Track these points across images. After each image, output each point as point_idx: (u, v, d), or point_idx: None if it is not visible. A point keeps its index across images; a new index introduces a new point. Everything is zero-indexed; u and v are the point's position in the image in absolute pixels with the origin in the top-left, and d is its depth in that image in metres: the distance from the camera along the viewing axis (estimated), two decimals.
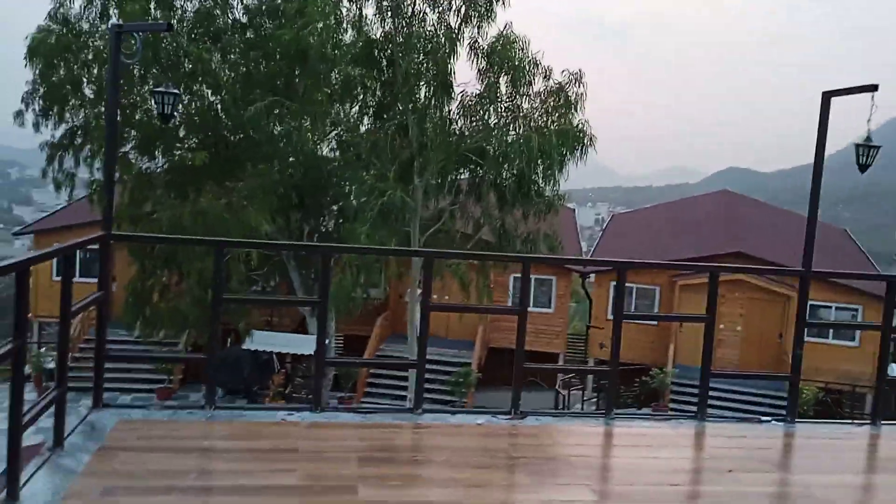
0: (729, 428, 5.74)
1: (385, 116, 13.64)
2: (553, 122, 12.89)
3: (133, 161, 17.11)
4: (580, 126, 13.05)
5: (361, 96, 13.69)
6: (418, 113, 13.13)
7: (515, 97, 13.08)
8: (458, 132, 13.36)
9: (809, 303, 18.83)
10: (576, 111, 13.07)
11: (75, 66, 16.81)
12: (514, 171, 13.02)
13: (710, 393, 18.12)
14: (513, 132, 12.64)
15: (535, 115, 12.96)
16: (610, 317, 25.22)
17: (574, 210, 25.81)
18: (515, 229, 14.50)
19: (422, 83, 13.02)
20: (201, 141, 16.30)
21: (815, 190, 5.57)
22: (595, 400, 21.91)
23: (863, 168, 5.83)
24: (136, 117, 16.71)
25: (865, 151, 5.80)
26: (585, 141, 13.00)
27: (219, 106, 16.23)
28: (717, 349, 23.55)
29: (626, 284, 20.55)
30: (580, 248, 27.63)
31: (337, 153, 15.38)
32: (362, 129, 14.29)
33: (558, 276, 24.60)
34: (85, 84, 16.99)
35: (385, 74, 13.29)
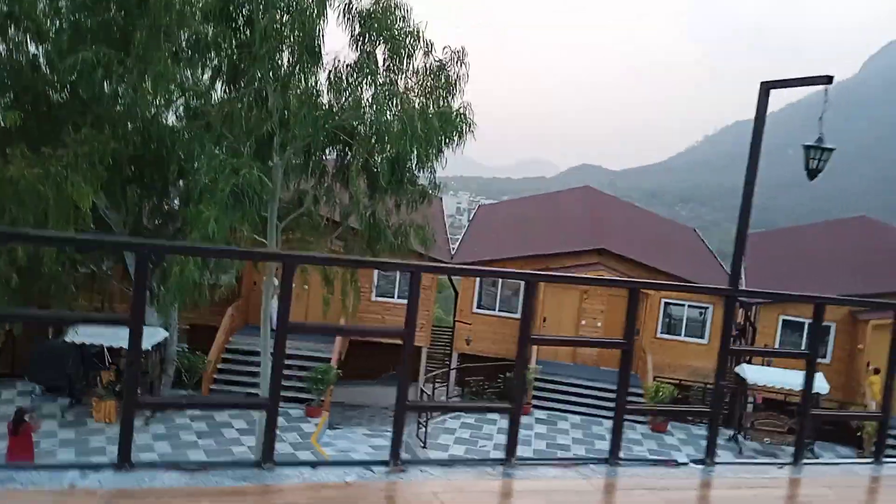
0: (644, 474, 4.81)
1: (241, 83, 11.91)
2: (432, 103, 11.71)
3: None
4: (461, 110, 12.00)
5: (214, 59, 11.85)
6: (280, 81, 11.50)
7: (393, 72, 11.77)
8: (325, 106, 11.86)
9: (665, 300, 18.85)
10: (455, 93, 12.02)
11: None
12: (389, 155, 11.75)
13: (567, 388, 17.81)
14: (389, 111, 11.33)
15: (414, 95, 11.71)
16: (476, 310, 24.76)
17: (441, 199, 25.00)
18: (386, 219, 13.26)
19: (284, 47, 11.38)
20: (16, 98, 13.75)
21: (745, 207, 4.78)
22: (458, 394, 21.21)
23: (812, 174, 5.07)
24: None
25: (817, 154, 5.03)
26: (465, 128, 11.97)
27: (41, 59, 13.76)
28: (576, 348, 23.68)
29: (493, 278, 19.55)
30: (447, 238, 26.87)
31: (183, 122, 13.41)
32: (214, 96, 12.42)
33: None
34: None
35: (242, 34, 11.54)
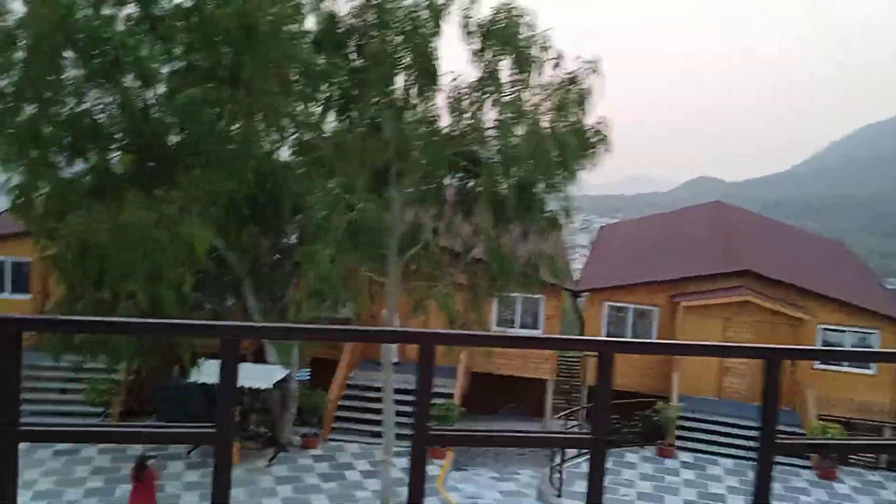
0: None
1: (353, 113, 11.15)
2: (562, 120, 10.46)
3: (54, 165, 14.42)
4: (597, 127, 10.67)
5: (325, 89, 11.17)
6: (394, 107, 10.64)
7: (519, 88, 10.62)
8: (444, 131, 10.88)
9: (823, 327, 16.44)
10: (588, 108, 10.72)
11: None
12: (516, 181, 10.59)
13: (715, 428, 15.55)
14: (515, 133, 10.18)
15: (542, 112, 10.51)
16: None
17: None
18: (513, 250, 12.07)
19: (398, 70, 10.51)
20: (130, 142, 13.69)
21: None
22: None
23: None
24: (63, 113, 14.06)
25: None
26: (600, 146, 10.63)
27: (152, 103, 13.65)
28: (723, 377, 21.43)
29: (622, 304, 18.08)
30: (570, 265, 25.35)
31: (296, 158, 12.84)
32: (326, 128, 11.74)
33: (547, 294, 22.26)
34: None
35: (352, 61, 10.79)
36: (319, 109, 11.67)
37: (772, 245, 25.01)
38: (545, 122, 10.22)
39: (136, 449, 17.17)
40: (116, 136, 14.47)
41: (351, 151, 10.57)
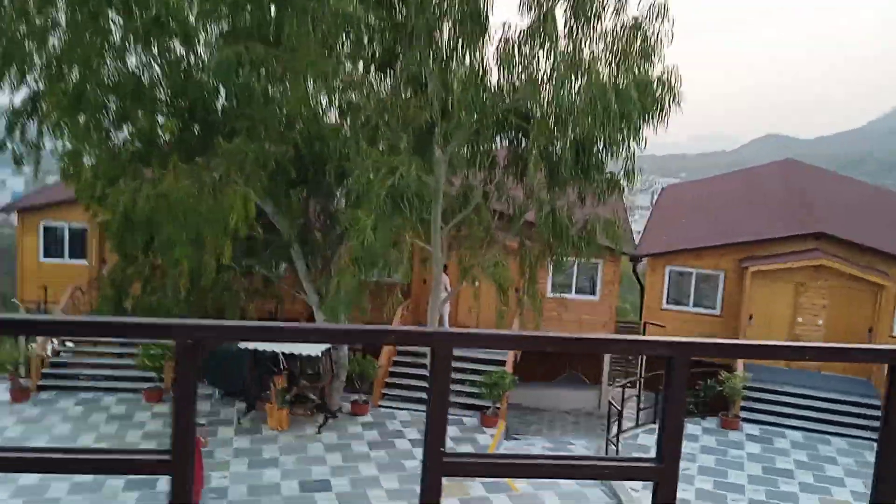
0: None
1: (396, 68, 10.43)
2: (626, 72, 9.48)
3: (100, 130, 14.20)
4: (665, 77, 9.66)
5: (367, 44, 10.46)
6: (439, 61, 9.86)
7: (576, 37, 9.67)
8: (494, 87, 10.07)
9: None
10: (655, 58, 9.71)
11: (37, 16, 13.84)
12: (573, 139, 9.74)
13: (783, 399, 14.40)
14: (572, 86, 9.28)
15: (602, 63, 9.56)
16: (665, 306, 22.06)
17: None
18: (569, 214, 11.25)
19: (445, 20, 9.69)
20: (175, 107, 13.31)
21: None
22: (651, 407, 18.80)
23: None
24: (107, 76, 13.77)
25: None
26: (669, 99, 9.63)
27: (193, 65, 13.20)
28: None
29: (686, 269, 17.09)
30: (630, 228, 24.29)
31: (338, 118, 12.25)
32: (367, 85, 11.05)
33: (605, 259, 21.34)
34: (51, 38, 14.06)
35: (397, 13, 10.03)
36: (361, 67, 10.99)
37: (850, 206, 23.38)
38: (605, 74, 9.26)
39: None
40: (161, 100, 14.17)
41: (393, 111, 9.90)
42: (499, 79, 10.12)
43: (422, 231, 10.90)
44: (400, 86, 10.18)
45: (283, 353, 17.53)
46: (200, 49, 12.61)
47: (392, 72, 10.57)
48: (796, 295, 19.97)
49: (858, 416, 17.80)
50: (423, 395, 17.56)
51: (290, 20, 9.91)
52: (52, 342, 19.63)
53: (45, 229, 23.12)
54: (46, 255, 23.21)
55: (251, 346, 16.62)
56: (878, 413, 17.93)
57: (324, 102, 13.57)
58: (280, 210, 15.88)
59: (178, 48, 12.64)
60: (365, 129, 10.21)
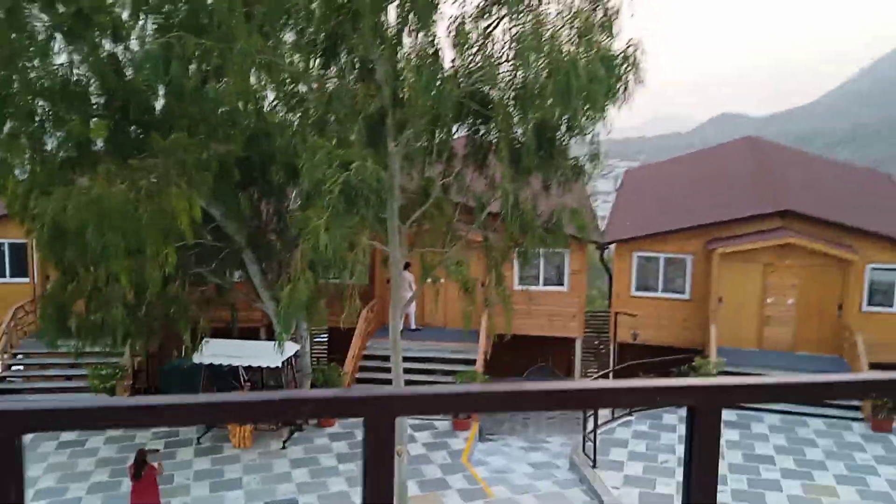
0: None
1: (340, 54, 9.65)
2: (588, 47, 8.78)
3: (28, 138, 13.12)
4: (628, 52, 9.00)
5: (304, 27, 9.63)
6: (387, 44, 9.08)
7: (537, 7, 8.91)
8: (448, 69, 9.34)
9: (872, 267, 14.88)
10: (613, 31, 9.06)
11: None
12: (534, 123, 9.06)
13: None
14: (535, 62, 8.56)
15: (565, 37, 8.83)
16: (635, 293, 21.64)
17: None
18: (533, 205, 10.61)
19: (392, 0, 8.87)
20: (105, 107, 12.33)
21: None
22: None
23: None
24: (37, 80, 12.69)
25: None
26: (631, 76, 8.99)
27: (130, 61, 12.22)
28: (765, 327, 20.00)
29: (653, 254, 16.73)
30: (595, 215, 23.84)
31: (283, 112, 11.43)
32: (311, 74, 10.20)
33: (572, 247, 20.82)
34: None
35: None
36: (300, 56, 10.17)
37: (812, 181, 23.23)
38: (568, 49, 8.59)
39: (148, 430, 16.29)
40: (92, 101, 13.15)
41: (338, 100, 9.13)
42: (454, 59, 9.43)
43: (380, 230, 10.17)
44: (345, 72, 9.41)
45: (243, 366, 16.65)
46: (132, 44, 11.66)
47: (336, 58, 9.78)
48: (765, 275, 19.71)
49: None
50: None
51: (219, 4, 9.05)
52: None
53: None
54: None
55: (207, 360, 15.72)
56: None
57: (268, 96, 12.75)
58: (229, 214, 14.98)
59: (108, 44, 11.67)
60: (311, 123, 9.42)
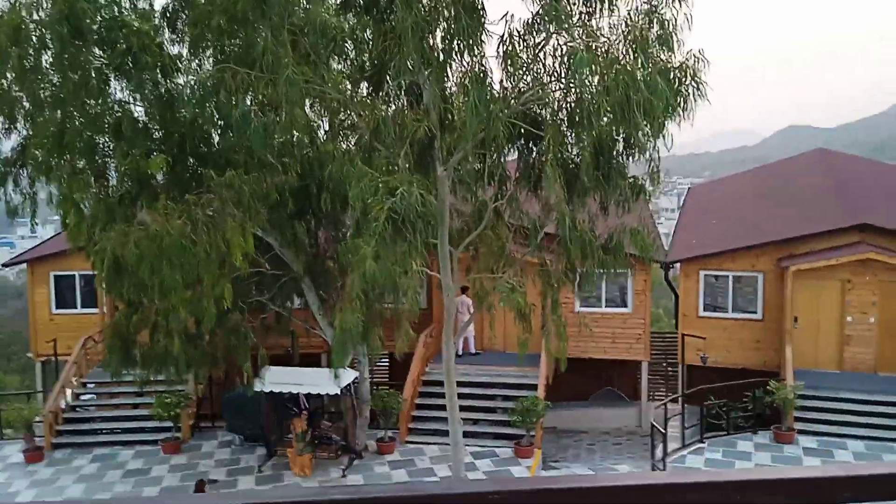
0: None
1: (387, 79, 9.53)
2: (646, 60, 8.37)
3: (87, 173, 13.52)
4: (687, 64, 8.55)
5: (353, 54, 9.58)
6: (434, 66, 8.90)
7: (590, 21, 8.59)
8: (498, 90, 9.08)
9: None
10: (674, 45, 8.64)
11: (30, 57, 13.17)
12: (590, 140, 8.68)
13: (839, 406, 13.51)
14: (588, 78, 8.20)
15: (621, 51, 8.46)
16: (703, 313, 20.79)
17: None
18: (592, 227, 10.21)
19: (437, 18, 8.69)
20: (163, 142, 12.58)
21: None
22: (697, 425, 17.50)
23: None
24: (99, 116, 13.08)
25: None
26: (692, 90, 8.51)
27: (182, 93, 12.46)
28: (845, 347, 18.87)
29: (721, 273, 15.95)
30: (658, 233, 23.10)
31: (331, 140, 11.39)
32: (358, 101, 10.13)
33: (635, 267, 20.17)
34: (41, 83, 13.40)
35: (382, 15, 9.11)
36: (349, 83, 10.12)
37: (889, 193, 21.97)
38: (626, 62, 8.21)
39: (212, 459, 16.41)
40: (153, 136, 13.46)
41: (385, 125, 8.98)
42: (502, 80, 9.17)
43: (427, 256, 9.95)
44: (392, 97, 9.28)
45: (303, 393, 16.63)
46: (183, 79, 11.88)
47: (384, 83, 9.67)
48: (843, 292, 18.63)
49: None
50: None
51: (263, 35, 9.06)
52: (64, 395, 18.95)
53: (56, 279, 22.57)
54: (59, 305, 22.64)
55: (268, 388, 15.76)
56: None
57: (319, 125, 12.78)
58: (285, 242, 15.05)
59: (161, 80, 11.92)
60: (359, 149, 9.32)
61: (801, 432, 16.53)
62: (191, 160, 13.71)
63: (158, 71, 11.57)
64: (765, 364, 19.01)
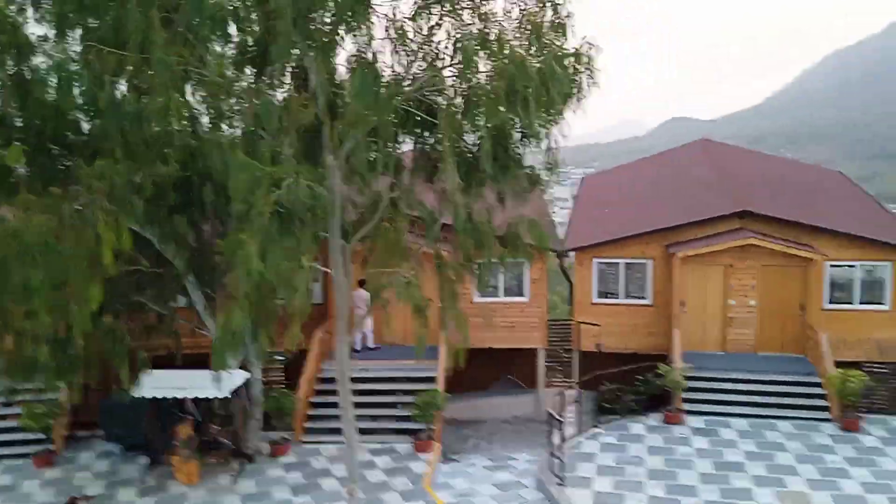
0: None
1: (270, 61, 8.91)
2: (540, 48, 8.17)
3: None
4: (582, 52, 8.41)
5: (233, 34, 8.88)
6: (320, 49, 8.36)
7: (481, 8, 8.30)
8: (390, 75, 8.65)
9: (830, 263, 14.57)
10: (567, 32, 8.50)
11: None
12: (486, 129, 8.41)
13: (724, 386, 14.21)
14: (480, 64, 7.92)
15: (514, 38, 8.22)
16: (596, 300, 21.20)
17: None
18: (488, 218, 9.98)
19: (323, 1, 8.15)
20: (24, 130, 11.38)
21: None
22: (593, 405, 17.76)
23: None
24: None
25: None
26: (584, 78, 8.40)
27: (43, 77, 11.27)
28: (728, 329, 19.72)
29: (613, 260, 16.24)
30: (553, 223, 23.38)
31: (215, 129, 10.62)
32: (237, 86, 9.44)
33: (532, 256, 20.19)
34: None
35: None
36: (233, 67, 9.40)
37: (768, 181, 23.18)
38: (520, 49, 7.98)
39: (89, 472, 15.18)
40: (8, 124, 12.14)
41: (267, 112, 8.39)
42: (393, 64, 8.76)
43: (319, 250, 9.42)
44: (277, 82, 8.68)
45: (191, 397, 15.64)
46: (44, 61, 10.71)
47: (266, 66, 9.05)
48: (726, 277, 19.45)
49: (800, 395, 17.35)
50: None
51: (131, 10, 8.22)
52: None
53: None
54: None
55: (149, 393, 14.71)
56: (819, 391, 17.58)
57: (203, 112, 11.91)
58: (165, 238, 14.06)
59: (18, 62, 10.71)
60: (241, 138, 8.68)
61: (690, 412, 17.13)
62: (56, 149, 12.51)
63: (15, 51, 10.38)
64: (656, 348, 19.59)
